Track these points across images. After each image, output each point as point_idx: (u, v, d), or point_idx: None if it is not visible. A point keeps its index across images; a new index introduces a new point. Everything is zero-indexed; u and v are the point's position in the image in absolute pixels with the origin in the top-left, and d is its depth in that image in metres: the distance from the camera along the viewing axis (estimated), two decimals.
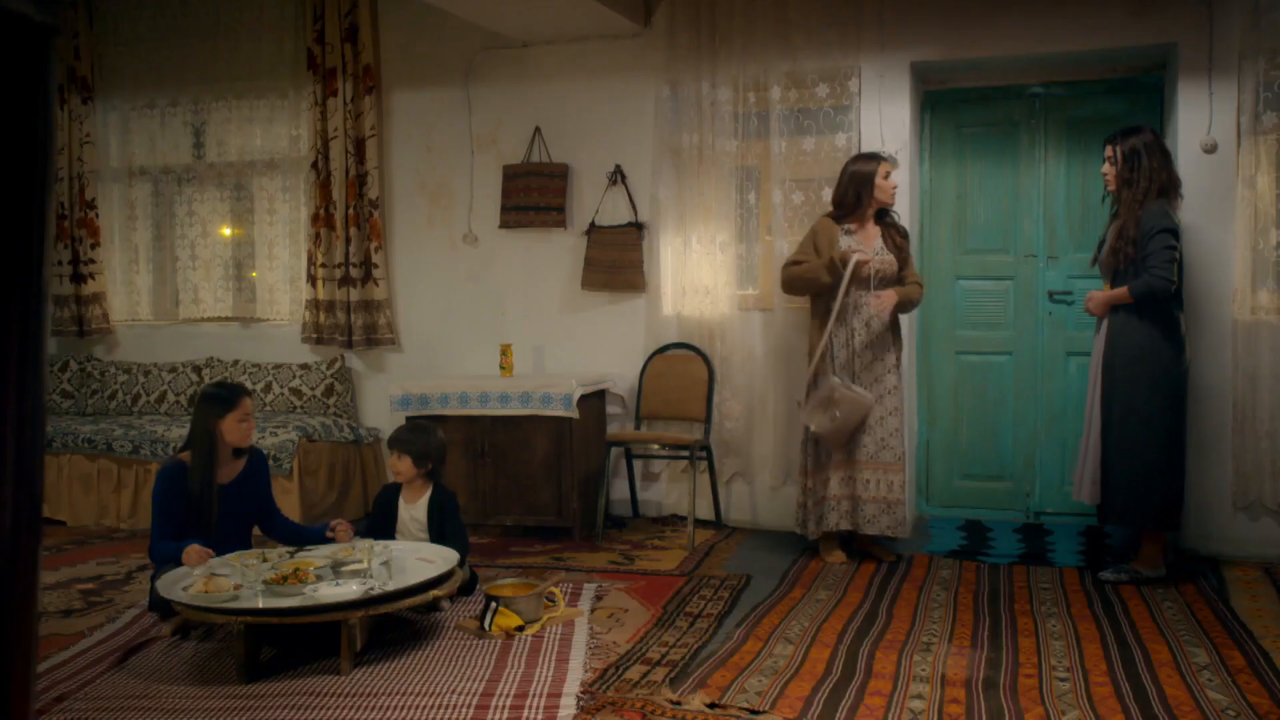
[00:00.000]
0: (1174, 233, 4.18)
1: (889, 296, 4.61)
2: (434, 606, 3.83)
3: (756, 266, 5.51)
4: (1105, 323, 4.34)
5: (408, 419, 5.11)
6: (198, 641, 3.65)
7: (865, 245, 4.66)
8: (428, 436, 4.21)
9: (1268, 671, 3.25)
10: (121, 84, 6.60)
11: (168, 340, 6.61)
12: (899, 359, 4.73)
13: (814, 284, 4.68)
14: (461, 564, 3.77)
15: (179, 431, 5.60)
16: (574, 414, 5.11)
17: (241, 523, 4.01)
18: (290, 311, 6.36)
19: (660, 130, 5.52)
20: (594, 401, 5.43)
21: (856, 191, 4.67)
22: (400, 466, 4.15)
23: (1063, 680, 3.21)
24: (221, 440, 3.90)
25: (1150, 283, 4.15)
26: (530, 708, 2.98)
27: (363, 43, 5.98)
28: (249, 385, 6.16)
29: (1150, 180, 4.23)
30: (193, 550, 3.65)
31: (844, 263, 4.53)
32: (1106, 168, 4.37)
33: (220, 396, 3.91)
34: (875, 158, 4.70)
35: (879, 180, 4.64)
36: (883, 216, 4.73)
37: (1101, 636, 3.62)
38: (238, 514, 3.98)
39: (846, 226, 4.71)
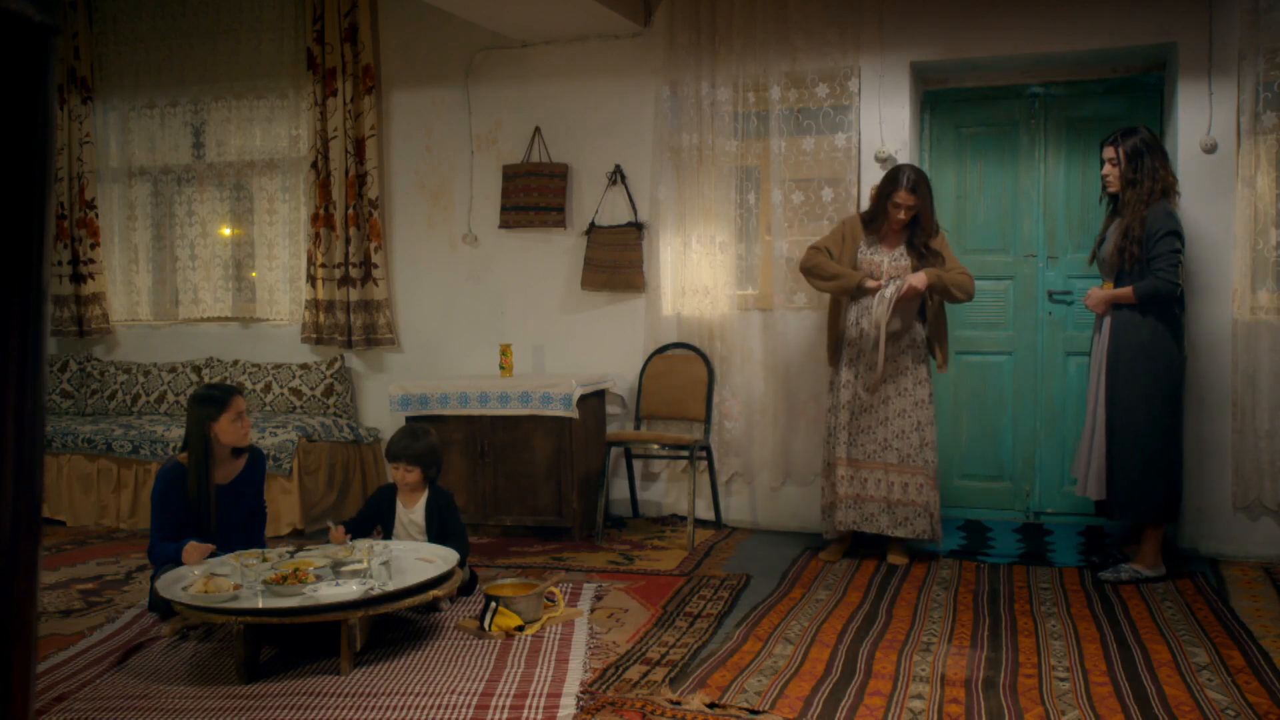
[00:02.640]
0: (1180, 235, 4.20)
1: (916, 277, 4.49)
2: (434, 606, 3.83)
3: (756, 267, 5.51)
4: (1107, 320, 4.35)
5: (407, 419, 5.11)
6: (197, 641, 3.65)
7: (884, 253, 4.64)
8: (429, 441, 4.18)
9: (1267, 671, 3.25)
10: (121, 84, 6.61)
11: (167, 340, 6.60)
12: (928, 371, 4.67)
13: (833, 288, 4.66)
14: (462, 564, 3.77)
15: (178, 432, 5.59)
16: (574, 414, 5.11)
17: (241, 522, 4.01)
18: (290, 311, 6.36)
19: (660, 130, 5.52)
20: (594, 401, 5.43)
21: (879, 206, 4.63)
22: (411, 479, 4.13)
23: (1062, 680, 3.21)
24: (218, 442, 3.89)
25: (1157, 285, 4.17)
26: (530, 708, 2.98)
27: (362, 42, 5.98)
28: (248, 385, 6.17)
29: (1154, 180, 4.24)
30: (191, 548, 3.65)
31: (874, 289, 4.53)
32: (1108, 169, 4.37)
33: (211, 398, 3.89)
34: (896, 180, 4.55)
35: (893, 201, 4.54)
36: (914, 234, 4.61)
37: (1101, 636, 3.62)
38: (238, 513, 3.98)
39: (872, 235, 4.68)
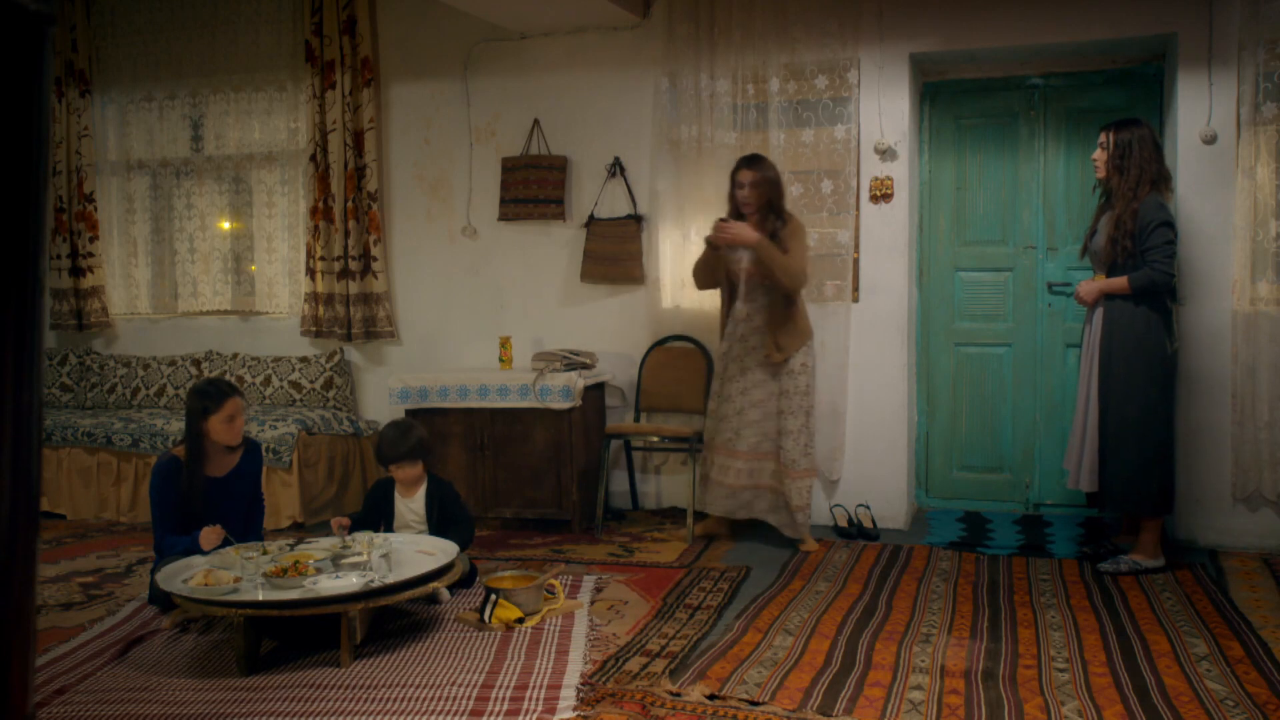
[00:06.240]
0: (1172, 226, 4.20)
1: (747, 231, 4.58)
2: (433, 599, 3.84)
3: None
4: (1099, 312, 4.35)
5: (405, 411, 5.10)
6: (198, 634, 3.66)
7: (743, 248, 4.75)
8: (417, 433, 4.20)
9: (1266, 662, 3.25)
10: (119, 77, 6.59)
11: (167, 334, 6.60)
12: (803, 359, 4.69)
13: (699, 264, 4.88)
14: (465, 548, 3.78)
15: (178, 425, 5.60)
16: (577, 403, 5.11)
17: (239, 514, 4.02)
18: (289, 305, 6.36)
19: (659, 122, 5.51)
20: (593, 394, 5.43)
21: (731, 196, 4.80)
22: (412, 474, 4.15)
23: (1062, 671, 3.21)
24: (209, 438, 3.89)
25: (1152, 276, 4.16)
26: (530, 699, 2.98)
27: (361, 35, 5.96)
28: (247, 378, 6.16)
29: (1141, 170, 4.24)
30: (205, 532, 3.69)
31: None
32: (1098, 153, 4.37)
33: (208, 395, 3.88)
34: (738, 164, 4.76)
35: (736, 181, 4.74)
36: (766, 221, 4.71)
37: (1100, 627, 3.63)
38: (236, 506, 3.98)
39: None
